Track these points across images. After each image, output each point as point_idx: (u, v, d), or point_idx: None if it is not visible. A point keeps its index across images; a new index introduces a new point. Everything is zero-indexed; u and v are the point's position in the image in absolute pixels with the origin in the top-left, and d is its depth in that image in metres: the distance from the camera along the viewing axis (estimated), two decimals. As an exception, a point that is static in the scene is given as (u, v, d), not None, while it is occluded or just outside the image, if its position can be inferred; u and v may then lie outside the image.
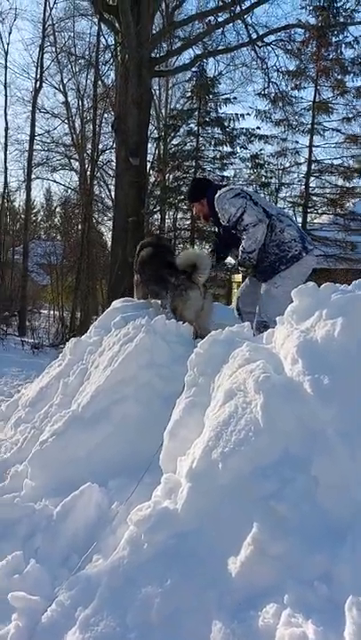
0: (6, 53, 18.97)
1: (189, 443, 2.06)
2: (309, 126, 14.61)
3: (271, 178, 18.65)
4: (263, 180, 18.49)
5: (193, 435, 2.09)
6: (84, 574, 1.88)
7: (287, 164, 17.24)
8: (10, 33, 27.35)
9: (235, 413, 1.92)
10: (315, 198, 15.43)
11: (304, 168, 15.65)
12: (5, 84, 19.43)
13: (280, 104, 13.76)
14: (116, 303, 4.09)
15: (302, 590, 1.40)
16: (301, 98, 14.92)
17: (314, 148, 14.82)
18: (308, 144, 14.76)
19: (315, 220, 16.15)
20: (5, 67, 19.62)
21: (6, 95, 26.32)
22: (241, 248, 3.74)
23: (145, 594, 1.62)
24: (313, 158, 14.84)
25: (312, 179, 15.20)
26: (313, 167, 14.99)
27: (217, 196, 3.82)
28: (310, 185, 15.14)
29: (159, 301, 3.90)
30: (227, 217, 3.74)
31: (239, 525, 1.60)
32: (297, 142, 15.73)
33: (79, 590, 1.80)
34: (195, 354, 2.48)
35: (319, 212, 15.97)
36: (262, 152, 18.52)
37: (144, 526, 1.79)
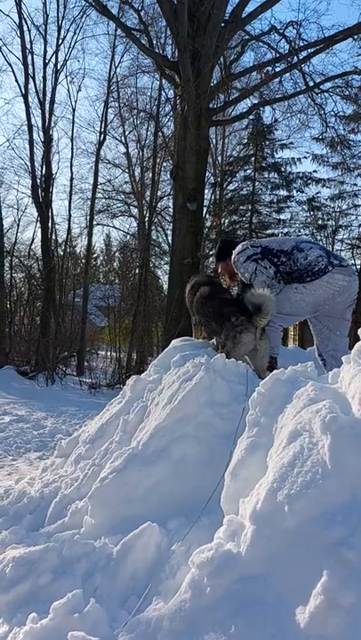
0: (73, 110, 20.36)
1: (252, 484, 2.00)
2: (368, 169, 14.60)
3: (328, 220, 18.64)
4: (320, 222, 18.49)
5: (255, 475, 2.03)
6: (145, 617, 1.81)
7: (345, 207, 17.17)
8: (78, 91, 29.38)
9: (300, 454, 1.85)
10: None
11: (363, 210, 15.52)
12: (72, 137, 20.76)
13: (338, 148, 13.83)
14: (176, 342, 4.11)
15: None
16: (359, 141, 14.99)
17: (372, 191, 14.76)
18: (366, 186, 14.72)
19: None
20: (73, 122, 21.15)
21: (72, 148, 27.87)
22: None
23: (208, 641, 1.55)
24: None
25: (371, 221, 15.07)
26: (372, 209, 14.91)
27: (232, 259, 4.04)
28: (369, 227, 15.00)
29: (213, 341, 3.89)
30: (246, 278, 3.98)
31: (307, 572, 1.52)
32: (355, 185, 15.67)
33: (139, 633, 1.73)
34: (257, 393, 2.43)
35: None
36: (319, 195, 18.59)
37: (206, 569, 1.73)
